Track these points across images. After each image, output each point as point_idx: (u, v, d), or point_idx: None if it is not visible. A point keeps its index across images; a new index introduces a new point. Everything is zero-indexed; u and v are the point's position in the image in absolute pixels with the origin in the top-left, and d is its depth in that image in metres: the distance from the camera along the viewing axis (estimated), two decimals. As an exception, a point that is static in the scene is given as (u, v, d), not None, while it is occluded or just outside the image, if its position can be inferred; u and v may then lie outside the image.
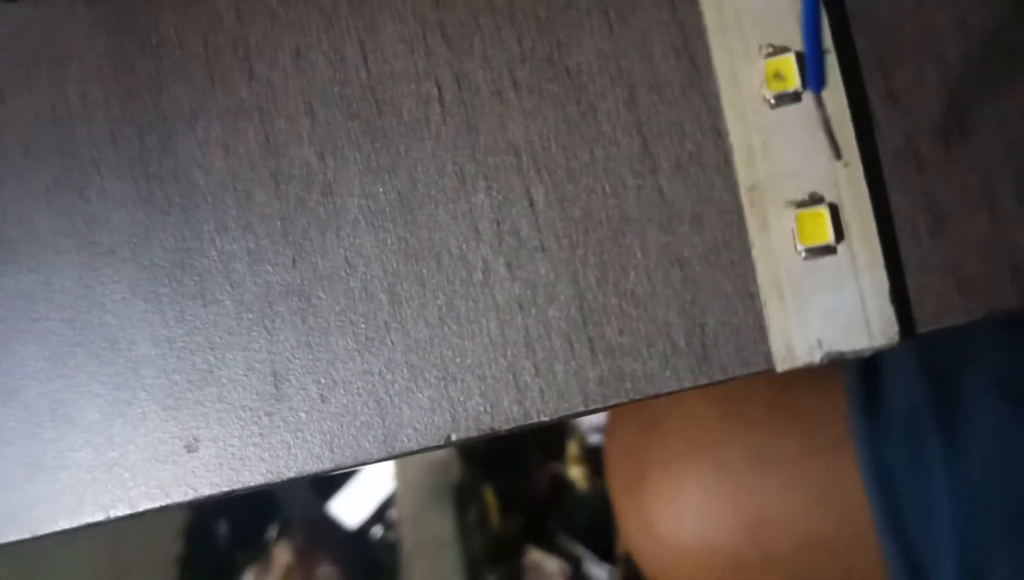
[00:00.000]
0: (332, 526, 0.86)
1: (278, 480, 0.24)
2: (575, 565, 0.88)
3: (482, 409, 0.23)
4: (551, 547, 0.87)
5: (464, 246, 0.23)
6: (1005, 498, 0.45)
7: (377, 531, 0.87)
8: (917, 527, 0.48)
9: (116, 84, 0.27)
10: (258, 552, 0.84)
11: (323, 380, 0.24)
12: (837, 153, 0.19)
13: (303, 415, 0.24)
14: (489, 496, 0.84)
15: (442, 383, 0.23)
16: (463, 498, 0.84)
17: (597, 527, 0.86)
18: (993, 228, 0.20)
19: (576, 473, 0.84)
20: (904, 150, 0.20)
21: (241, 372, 0.25)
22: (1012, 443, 0.42)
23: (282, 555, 0.84)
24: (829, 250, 0.20)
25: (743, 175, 0.21)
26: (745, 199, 0.21)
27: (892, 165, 0.20)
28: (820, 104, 0.18)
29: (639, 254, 0.22)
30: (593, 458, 0.83)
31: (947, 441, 0.42)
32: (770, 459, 0.50)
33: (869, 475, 0.50)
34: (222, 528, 0.84)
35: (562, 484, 0.86)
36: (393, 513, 0.86)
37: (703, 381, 0.21)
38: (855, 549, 0.55)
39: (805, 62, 0.21)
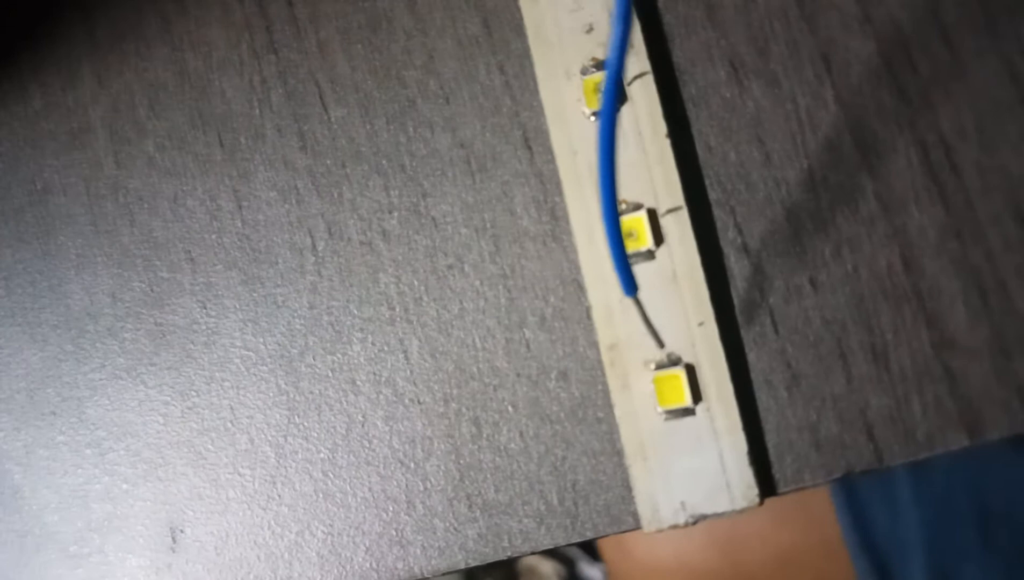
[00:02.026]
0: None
1: (175, 638, 0.24)
2: (569, 566, 0.89)
3: (368, 565, 0.23)
4: (545, 549, 0.87)
5: (343, 399, 0.23)
6: (971, 505, 0.45)
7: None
8: (885, 537, 0.49)
9: (4, 229, 0.27)
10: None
11: (216, 532, 0.24)
12: (659, 343, 0.19)
13: (199, 568, 0.25)
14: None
15: (329, 538, 0.23)
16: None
17: (590, 528, 0.86)
18: (848, 386, 0.19)
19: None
20: (759, 307, 0.20)
21: (139, 524, 0.25)
22: (975, 450, 0.42)
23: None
24: (688, 412, 0.20)
25: (602, 334, 0.21)
26: (605, 358, 0.21)
27: (748, 323, 0.20)
28: (639, 305, 0.18)
29: (510, 409, 0.22)
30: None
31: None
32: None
33: (835, 488, 0.51)
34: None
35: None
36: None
37: (575, 539, 0.21)
38: (826, 561, 0.55)
39: (658, 221, 0.21)
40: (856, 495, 0.48)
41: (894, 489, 0.46)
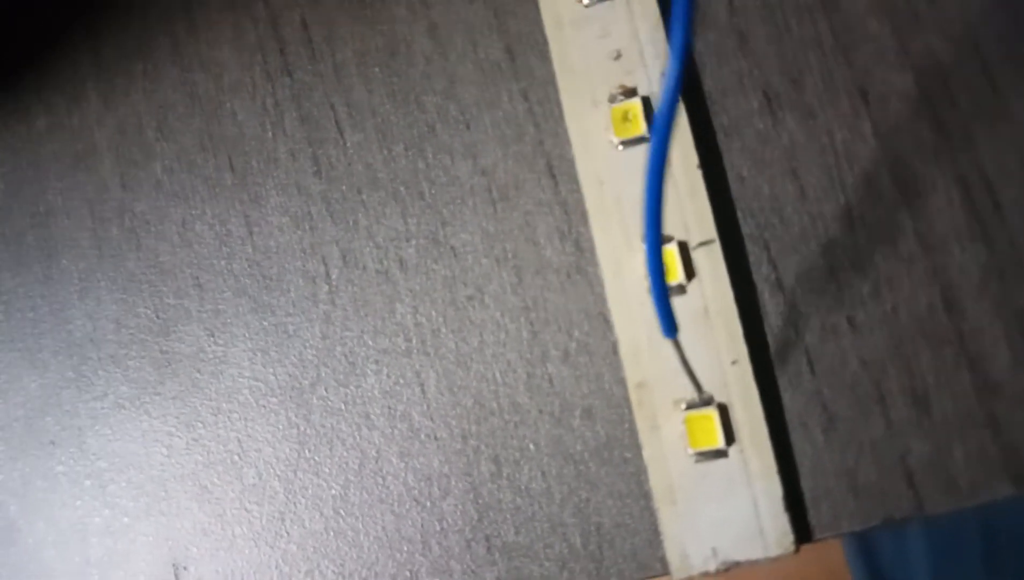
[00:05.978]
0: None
1: (177, 682, 0.23)
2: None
3: (380, 607, 0.22)
4: None
5: (356, 433, 0.23)
6: (978, 531, 0.45)
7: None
8: (891, 564, 0.48)
9: (5, 252, 0.26)
10: None
11: (221, 570, 0.23)
12: (698, 388, 0.19)
13: (203, 607, 0.24)
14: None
15: (340, 579, 0.22)
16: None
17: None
18: (887, 431, 0.19)
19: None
20: (794, 346, 0.19)
21: (140, 560, 0.24)
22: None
23: None
24: (720, 454, 0.19)
25: (630, 371, 0.20)
26: (633, 397, 0.20)
27: (782, 362, 0.20)
28: (677, 347, 0.17)
29: (532, 447, 0.21)
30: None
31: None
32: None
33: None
34: None
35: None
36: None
37: (599, 584, 0.21)
38: (831, 590, 0.54)
39: (689, 255, 0.20)
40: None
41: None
